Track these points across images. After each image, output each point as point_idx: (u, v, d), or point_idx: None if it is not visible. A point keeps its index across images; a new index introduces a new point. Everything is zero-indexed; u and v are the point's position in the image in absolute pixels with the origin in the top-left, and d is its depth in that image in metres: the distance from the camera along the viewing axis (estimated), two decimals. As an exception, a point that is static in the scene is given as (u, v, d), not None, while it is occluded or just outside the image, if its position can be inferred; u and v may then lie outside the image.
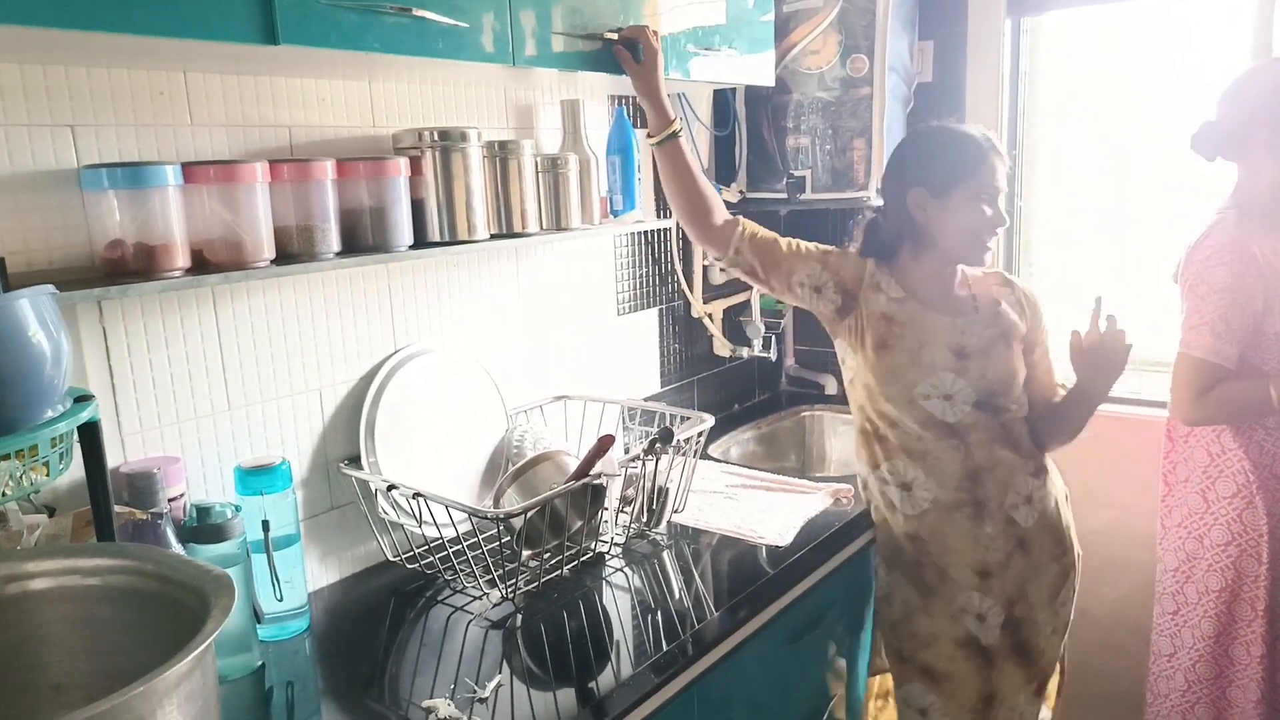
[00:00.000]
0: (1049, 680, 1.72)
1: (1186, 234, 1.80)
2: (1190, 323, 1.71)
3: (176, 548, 1.18)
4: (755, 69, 1.94)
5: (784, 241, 1.67)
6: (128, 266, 1.16)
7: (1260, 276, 1.66)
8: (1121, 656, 2.25)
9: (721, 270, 2.40)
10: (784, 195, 2.28)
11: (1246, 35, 2.06)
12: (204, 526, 1.21)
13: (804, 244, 1.68)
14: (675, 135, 1.63)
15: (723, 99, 2.37)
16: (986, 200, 1.56)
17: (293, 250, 1.32)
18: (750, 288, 2.42)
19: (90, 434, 0.99)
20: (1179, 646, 1.86)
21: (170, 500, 1.24)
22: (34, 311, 0.88)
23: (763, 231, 1.68)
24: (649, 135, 1.66)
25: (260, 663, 1.29)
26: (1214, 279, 1.67)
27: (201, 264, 1.24)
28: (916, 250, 1.64)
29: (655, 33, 1.59)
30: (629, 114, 1.90)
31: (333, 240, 1.35)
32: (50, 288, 0.93)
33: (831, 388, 2.64)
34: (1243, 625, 1.76)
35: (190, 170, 1.21)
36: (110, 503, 1.03)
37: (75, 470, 1.00)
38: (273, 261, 1.28)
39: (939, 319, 1.60)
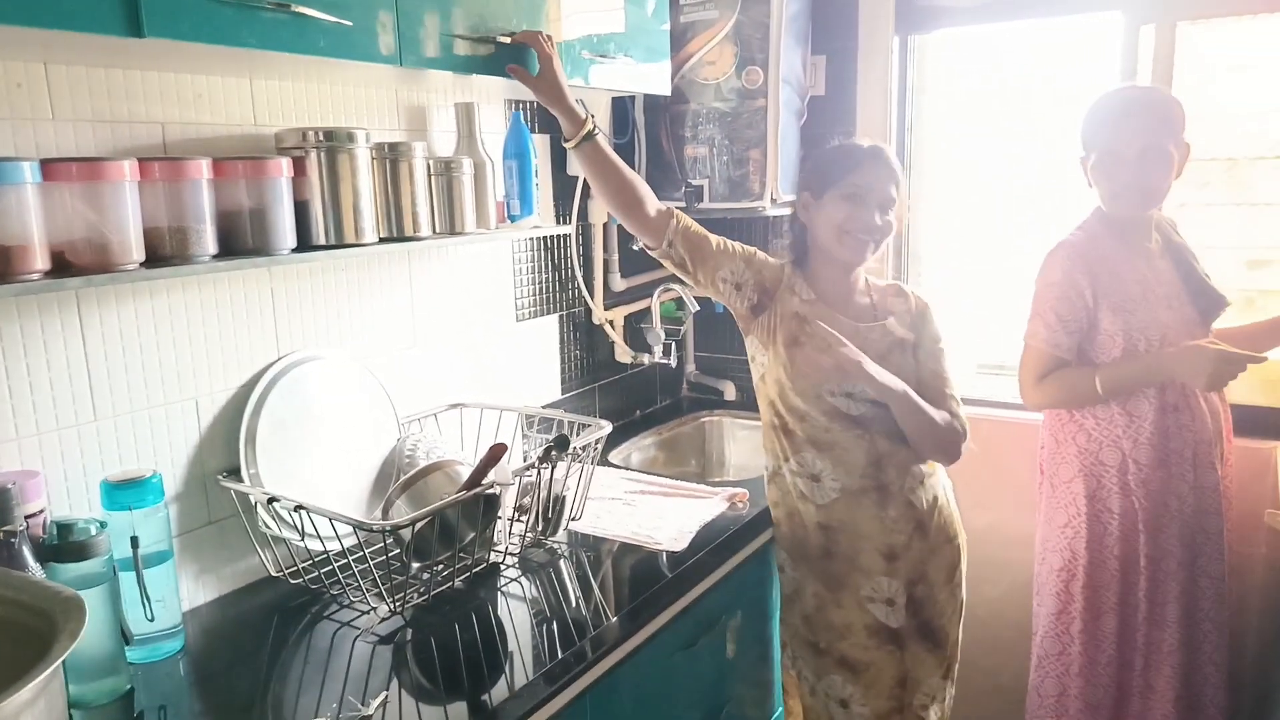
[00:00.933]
0: (954, 665, 1.80)
1: None
2: (1030, 315, 1.88)
3: (34, 567, 1.10)
4: (652, 78, 1.95)
5: (713, 238, 1.72)
6: (-22, 269, 1.08)
7: (1090, 274, 1.81)
8: (1004, 651, 2.34)
9: (630, 268, 2.41)
10: (682, 204, 2.29)
11: (1115, 58, 2.18)
12: (65, 544, 1.14)
13: (731, 242, 1.74)
14: (591, 136, 1.62)
15: (621, 107, 2.37)
16: (857, 201, 1.64)
17: (165, 253, 1.25)
18: (651, 295, 2.44)
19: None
20: (1038, 627, 1.99)
21: (29, 517, 1.17)
22: None
23: (695, 225, 1.72)
24: (565, 140, 1.64)
25: (129, 687, 1.22)
26: (1049, 276, 1.86)
27: (64, 266, 1.17)
28: (817, 253, 1.73)
29: (549, 37, 1.57)
30: (526, 118, 1.88)
31: (208, 242, 1.29)
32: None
33: (731, 393, 2.68)
34: (1073, 602, 1.90)
35: (50, 167, 1.14)
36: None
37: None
38: (143, 264, 1.22)
39: (845, 322, 1.69)
